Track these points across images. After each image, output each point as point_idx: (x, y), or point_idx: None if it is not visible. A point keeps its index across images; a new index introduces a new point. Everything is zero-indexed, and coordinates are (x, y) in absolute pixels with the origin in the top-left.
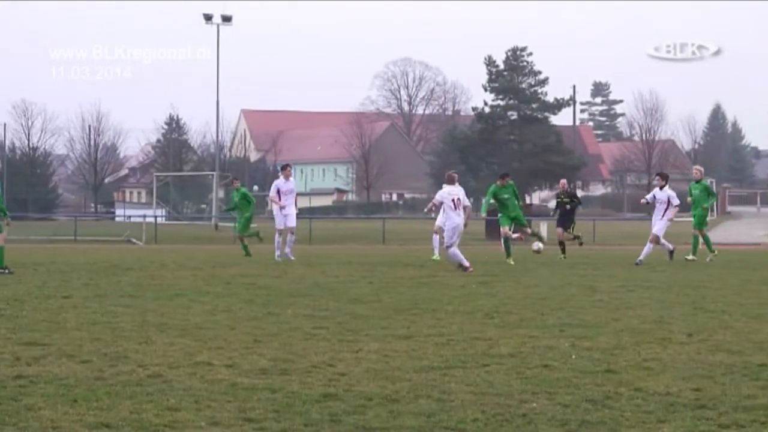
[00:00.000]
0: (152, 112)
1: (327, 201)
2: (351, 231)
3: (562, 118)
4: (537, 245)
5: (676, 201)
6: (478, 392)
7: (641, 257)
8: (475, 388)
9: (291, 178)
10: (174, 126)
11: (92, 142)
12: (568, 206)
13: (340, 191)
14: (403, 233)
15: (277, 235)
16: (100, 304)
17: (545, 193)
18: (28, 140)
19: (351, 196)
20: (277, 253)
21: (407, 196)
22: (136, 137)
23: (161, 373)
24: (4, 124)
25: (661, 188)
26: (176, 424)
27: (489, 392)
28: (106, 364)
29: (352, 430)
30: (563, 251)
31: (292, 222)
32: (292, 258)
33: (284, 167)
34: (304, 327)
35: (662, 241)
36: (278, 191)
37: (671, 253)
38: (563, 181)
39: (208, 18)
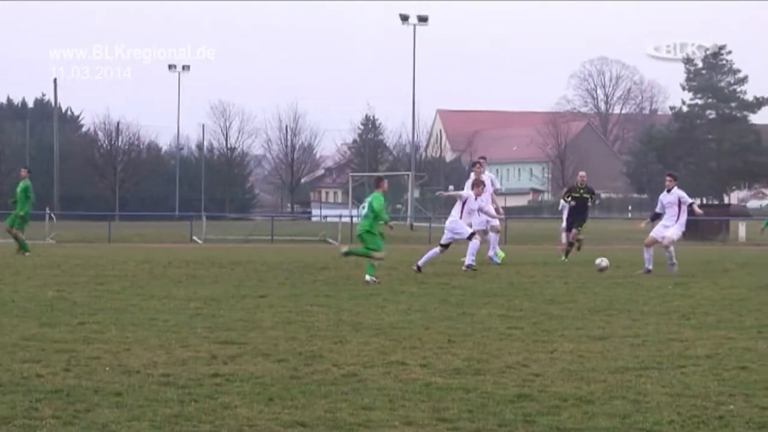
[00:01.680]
0: (349, 113)
1: (522, 201)
2: (546, 231)
3: (762, 117)
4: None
5: (688, 200)
6: (674, 394)
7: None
8: (670, 389)
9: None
10: (370, 126)
11: (289, 143)
12: (588, 202)
13: (535, 191)
14: (599, 233)
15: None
16: (296, 304)
17: (744, 193)
18: (226, 141)
19: (546, 196)
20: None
21: (603, 195)
22: (332, 137)
23: (356, 373)
24: (203, 125)
25: (669, 191)
26: (370, 423)
27: (685, 394)
28: (302, 363)
29: (547, 430)
30: (567, 254)
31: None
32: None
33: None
34: (499, 327)
35: (670, 249)
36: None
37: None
38: (582, 173)
39: (404, 18)
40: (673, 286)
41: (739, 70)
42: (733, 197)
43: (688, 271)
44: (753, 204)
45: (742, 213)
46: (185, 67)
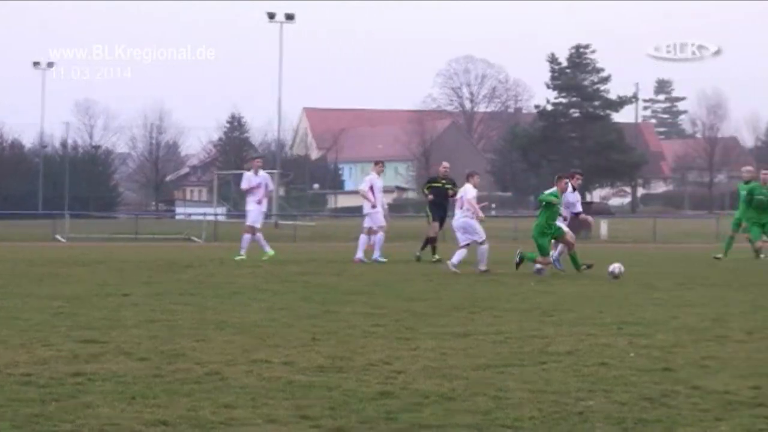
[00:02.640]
0: (214, 111)
1: (387, 199)
2: (409, 229)
3: (624, 116)
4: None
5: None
6: (535, 390)
7: None
8: (531, 386)
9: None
10: (235, 124)
11: (154, 140)
12: (450, 192)
13: (400, 189)
14: None
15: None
16: (159, 302)
17: (606, 191)
18: (91, 138)
19: (411, 194)
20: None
21: None
22: (197, 136)
23: (218, 371)
24: (67, 123)
25: (575, 189)
26: (233, 421)
27: (546, 390)
28: (164, 362)
29: (408, 427)
30: (434, 250)
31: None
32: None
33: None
34: (362, 325)
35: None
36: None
37: None
38: (446, 164)
39: (271, 16)
40: (535, 284)
41: (602, 69)
42: (596, 195)
43: (550, 270)
44: (615, 202)
45: (605, 211)
46: (50, 64)
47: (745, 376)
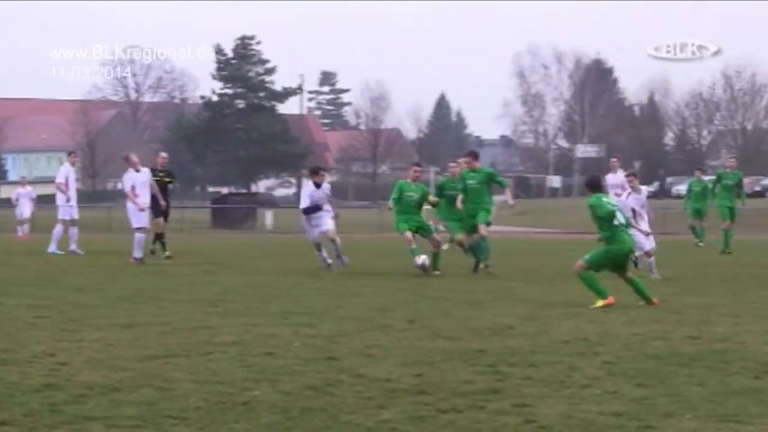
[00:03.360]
0: None
1: (53, 189)
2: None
3: (289, 107)
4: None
5: None
6: (201, 380)
7: None
8: (197, 376)
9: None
10: None
11: None
12: (169, 185)
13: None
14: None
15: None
16: None
17: (271, 182)
18: None
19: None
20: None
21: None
22: None
23: None
24: None
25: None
26: None
27: (211, 380)
28: None
29: (73, 419)
30: (157, 241)
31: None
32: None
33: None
34: (25, 317)
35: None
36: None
37: None
38: (164, 154)
39: None
40: (202, 274)
41: (268, 61)
42: (261, 186)
43: (216, 259)
44: (280, 192)
45: (270, 201)
46: None
47: (408, 365)
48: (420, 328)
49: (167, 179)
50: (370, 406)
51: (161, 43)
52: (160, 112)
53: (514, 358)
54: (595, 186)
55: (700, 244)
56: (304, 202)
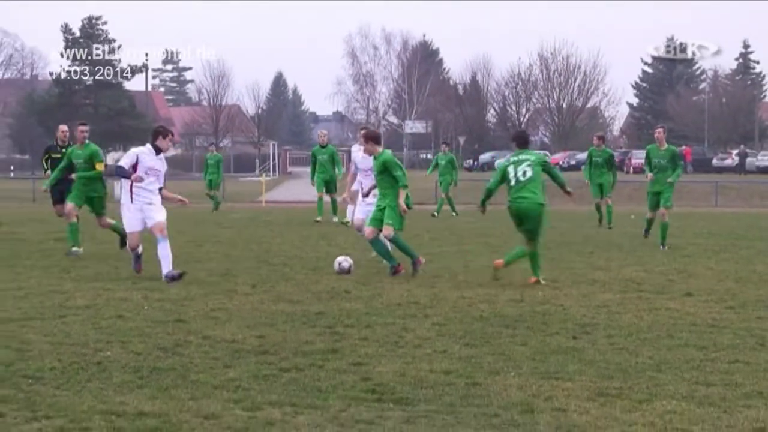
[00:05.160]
0: None
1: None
2: None
3: (135, 84)
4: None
5: None
6: (56, 342)
7: None
8: (52, 338)
9: None
10: None
11: None
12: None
13: None
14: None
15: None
16: None
17: (120, 154)
18: None
19: None
20: None
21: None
22: None
23: None
24: None
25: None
26: None
27: (66, 342)
28: None
29: None
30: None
31: None
32: None
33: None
34: None
35: None
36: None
37: None
38: (63, 127)
39: None
40: (54, 242)
41: (114, 40)
42: (110, 158)
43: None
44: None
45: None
46: None
47: (251, 326)
48: (263, 292)
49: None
50: (216, 366)
51: (11, 23)
52: (11, 88)
53: (350, 319)
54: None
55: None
56: None
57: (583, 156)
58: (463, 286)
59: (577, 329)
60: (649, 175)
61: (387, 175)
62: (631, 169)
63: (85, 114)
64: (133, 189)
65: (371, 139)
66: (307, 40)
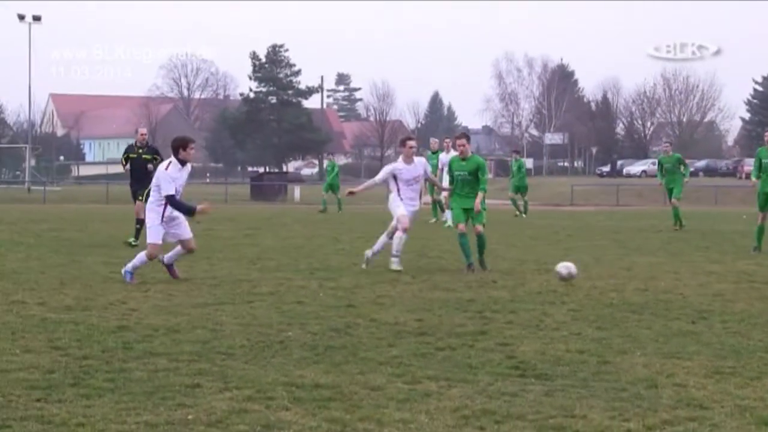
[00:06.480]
0: None
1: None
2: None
3: (312, 103)
4: None
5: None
6: (244, 323)
7: None
8: (241, 320)
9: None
10: None
11: None
12: (150, 165)
13: None
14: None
15: None
16: None
17: (299, 163)
18: None
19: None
20: None
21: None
22: None
23: None
24: None
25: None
26: None
27: (253, 323)
28: None
29: (142, 355)
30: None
31: None
32: None
33: None
34: (102, 272)
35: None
36: None
37: None
38: (143, 130)
39: (21, 17)
40: (243, 237)
41: (294, 64)
42: (291, 166)
43: (255, 225)
44: (306, 171)
45: (297, 179)
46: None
47: (412, 311)
48: (421, 281)
49: (146, 156)
50: (381, 345)
51: (208, 51)
52: (207, 107)
53: (497, 305)
54: None
55: (523, 215)
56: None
57: (699, 164)
58: (595, 276)
59: (695, 315)
60: (754, 180)
61: (474, 178)
62: (743, 175)
63: (269, 129)
64: (166, 210)
65: (468, 140)
66: (459, 64)
